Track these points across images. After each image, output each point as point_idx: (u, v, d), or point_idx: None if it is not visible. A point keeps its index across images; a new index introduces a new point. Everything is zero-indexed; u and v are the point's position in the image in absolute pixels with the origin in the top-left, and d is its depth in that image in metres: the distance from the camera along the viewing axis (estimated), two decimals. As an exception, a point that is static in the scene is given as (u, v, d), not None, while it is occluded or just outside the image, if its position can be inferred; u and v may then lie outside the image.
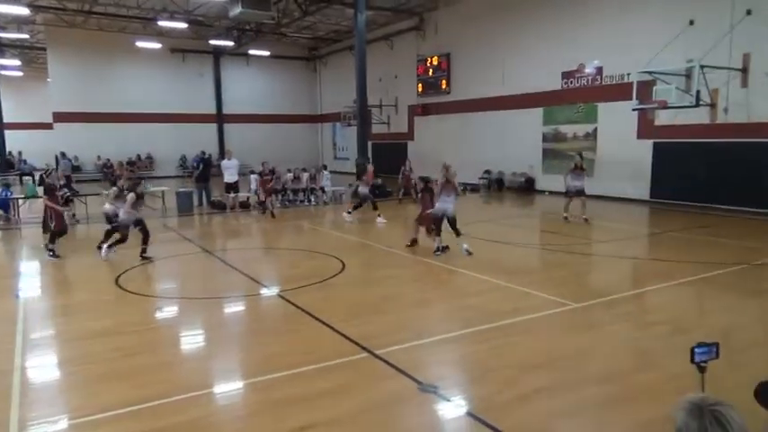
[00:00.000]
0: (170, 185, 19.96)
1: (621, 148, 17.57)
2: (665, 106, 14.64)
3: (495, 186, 22.43)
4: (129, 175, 12.88)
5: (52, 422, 4.27)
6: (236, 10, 19.17)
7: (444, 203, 10.10)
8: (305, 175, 19.29)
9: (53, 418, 4.33)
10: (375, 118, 28.44)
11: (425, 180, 11.32)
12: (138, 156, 32.06)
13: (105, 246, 10.22)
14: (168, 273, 9.85)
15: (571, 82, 19.56)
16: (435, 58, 25.67)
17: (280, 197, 17.73)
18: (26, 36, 29.87)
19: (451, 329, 6.14)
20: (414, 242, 10.79)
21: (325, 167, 21.13)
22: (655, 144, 16.95)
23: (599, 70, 18.53)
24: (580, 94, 19.26)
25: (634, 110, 15.97)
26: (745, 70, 14.50)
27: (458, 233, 10.13)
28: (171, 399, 4.53)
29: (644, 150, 17.09)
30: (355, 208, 14.61)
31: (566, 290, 7.65)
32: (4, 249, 12.81)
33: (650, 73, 14.86)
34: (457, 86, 24.81)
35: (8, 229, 14.52)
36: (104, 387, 4.83)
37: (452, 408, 4.48)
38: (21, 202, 16.09)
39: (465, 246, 10.00)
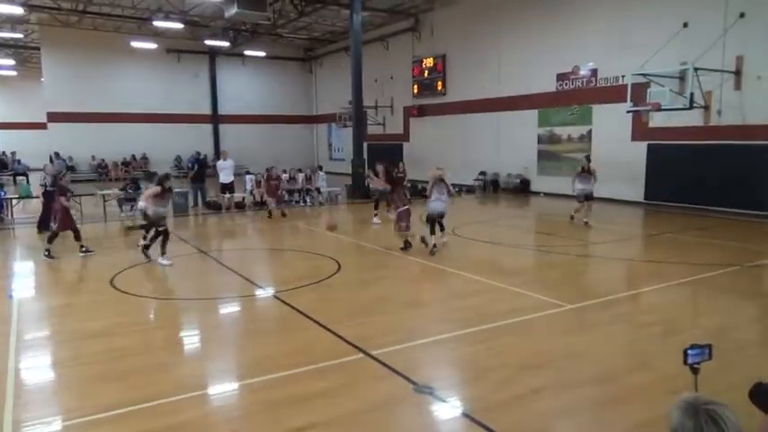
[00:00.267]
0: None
1: (616, 150, 17.64)
2: (659, 108, 14.71)
3: (491, 188, 22.49)
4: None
5: (46, 423, 4.26)
6: (232, 10, 19.14)
7: (437, 202, 10.23)
8: (300, 176, 19.30)
9: (47, 420, 4.32)
10: (370, 119, 28.43)
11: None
12: (133, 156, 31.95)
13: (143, 244, 9.98)
14: (163, 273, 9.81)
15: (566, 84, 19.64)
16: (431, 59, 25.70)
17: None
18: (20, 35, 29.74)
19: (447, 330, 6.15)
20: (408, 244, 10.63)
21: (320, 168, 21.14)
22: (649, 146, 17.04)
23: (593, 72, 18.61)
24: (575, 96, 19.34)
25: (628, 112, 16.03)
26: (738, 73, 14.59)
27: (442, 228, 10.51)
28: (166, 400, 4.52)
29: (638, 152, 17.17)
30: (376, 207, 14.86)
31: (561, 291, 7.68)
32: (-3, 250, 12.74)
33: (644, 75, 14.93)
34: (452, 88, 24.85)
35: (2, 229, 14.44)
36: (99, 388, 4.81)
37: (448, 408, 4.49)
38: (14, 202, 16.01)
39: (433, 241, 10.23)
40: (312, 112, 37.50)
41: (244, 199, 18.27)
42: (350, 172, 21.95)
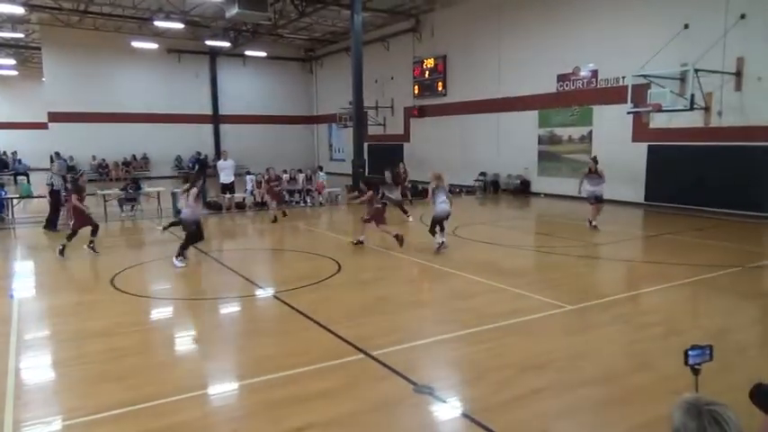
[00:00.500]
0: (165, 186, 19.90)
1: (616, 151, 17.64)
2: (659, 109, 14.71)
3: (491, 188, 22.48)
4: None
5: (47, 423, 4.26)
6: (233, 10, 19.15)
7: (444, 205, 10.50)
8: (301, 176, 19.30)
9: (48, 419, 4.31)
10: (371, 119, 28.44)
11: (367, 181, 12.37)
12: (134, 156, 31.98)
13: (179, 252, 9.89)
14: (163, 273, 9.81)
15: (566, 85, 19.64)
16: (431, 60, 25.71)
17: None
18: (21, 35, 29.77)
19: (447, 331, 6.15)
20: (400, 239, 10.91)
21: (320, 168, 21.14)
22: (649, 147, 17.04)
23: (594, 73, 18.61)
24: (575, 97, 19.34)
25: (629, 113, 16.05)
26: (738, 74, 14.59)
27: (443, 228, 10.64)
28: (166, 400, 4.52)
29: (639, 153, 17.17)
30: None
31: (561, 292, 7.68)
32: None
33: (645, 76, 14.94)
34: (453, 88, 24.86)
35: (2, 228, 14.44)
36: (99, 388, 4.81)
37: (448, 409, 4.48)
38: (15, 201, 16.02)
39: (442, 239, 10.54)
40: (313, 112, 37.52)
41: (244, 199, 18.28)
42: (350, 172, 21.94)
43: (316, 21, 27.87)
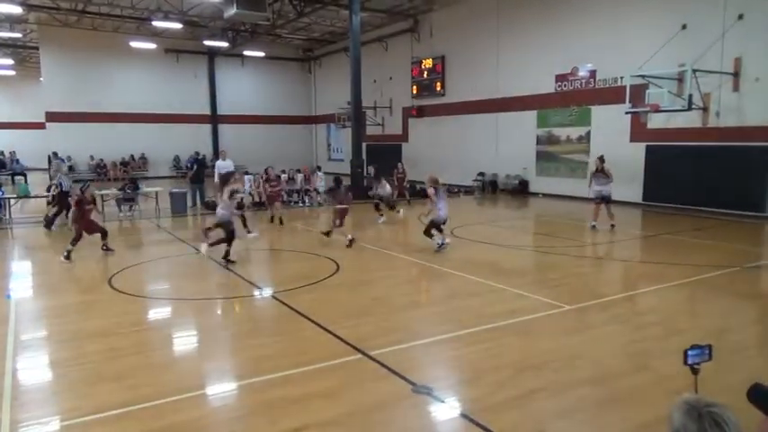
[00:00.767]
0: (163, 186, 19.90)
1: (614, 151, 17.58)
2: (657, 110, 14.72)
3: (489, 188, 22.49)
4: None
5: (44, 423, 4.25)
6: (231, 11, 19.13)
7: (444, 210, 10.63)
8: (299, 177, 19.28)
9: (45, 420, 4.30)
10: (369, 119, 28.45)
11: (337, 181, 12.52)
12: (132, 156, 31.95)
13: (206, 243, 10.01)
14: (161, 273, 9.81)
15: (565, 85, 19.66)
16: (430, 60, 25.72)
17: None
18: (19, 35, 29.71)
19: (445, 331, 6.15)
20: (329, 234, 11.78)
21: (319, 168, 21.12)
22: (647, 147, 17.06)
23: (592, 73, 18.63)
24: (574, 97, 19.36)
25: (627, 113, 16.06)
26: (736, 74, 14.62)
27: (441, 230, 10.77)
28: (164, 400, 4.51)
29: (637, 153, 17.19)
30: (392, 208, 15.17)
31: (559, 292, 7.69)
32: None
33: (643, 76, 14.94)
34: (451, 89, 24.87)
35: (0, 228, 14.42)
36: (97, 388, 4.81)
37: (446, 409, 4.48)
38: (12, 201, 15.99)
39: (447, 240, 10.71)
40: (311, 112, 37.52)
41: (242, 199, 18.22)
42: (349, 172, 21.94)
43: (314, 21, 27.87)
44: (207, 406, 4.65)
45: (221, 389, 4.93)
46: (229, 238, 9.86)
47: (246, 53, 32.48)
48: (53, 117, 29.34)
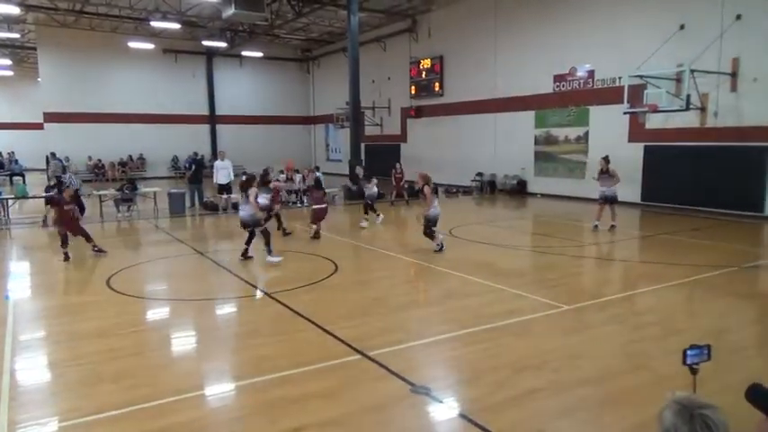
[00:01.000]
0: (162, 186, 19.88)
1: (613, 152, 17.53)
2: (655, 110, 14.74)
3: (488, 189, 22.50)
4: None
5: (42, 424, 4.24)
6: (230, 11, 19.12)
7: (438, 207, 10.64)
8: (298, 177, 19.27)
9: (43, 420, 4.30)
10: (368, 120, 28.45)
11: (317, 181, 12.71)
12: (130, 156, 31.92)
13: (268, 250, 9.92)
14: (160, 274, 9.80)
15: (563, 85, 19.68)
16: (428, 60, 25.73)
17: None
18: (17, 35, 29.65)
19: (444, 331, 6.15)
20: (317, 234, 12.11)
21: (317, 169, 21.10)
22: (646, 147, 17.08)
23: (590, 74, 18.64)
24: (572, 98, 19.37)
25: (625, 113, 16.09)
26: (734, 75, 14.64)
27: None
28: (163, 401, 4.51)
29: (635, 153, 17.20)
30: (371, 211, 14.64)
31: (558, 292, 7.70)
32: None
33: (641, 77, 14.97)
34: (450, 89, 24.88)
35: (-2, 229, 14.40)
36: (96, 389, 4.80)
37: (445, 409, 4.49)
38: (11, 202, 15.96)
39: (441, 238, 10.69)
40: (309, 112, 37.51)
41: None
42: (347, 173, 21.93)
43: (312, 21, 27.85)
44: (206, 406, 4.64)
45: (220, 389, 4.93)
46: (266, 232, 9.98)
47: (245, 53, 32.47)
48: (51, 117, 29.29)
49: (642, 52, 15.54)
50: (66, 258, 10.03)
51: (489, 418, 4.18)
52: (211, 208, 17.45)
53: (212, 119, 34.00)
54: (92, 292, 8.16)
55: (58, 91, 29.15)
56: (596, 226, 12.99)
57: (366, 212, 14.32)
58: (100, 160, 30.88)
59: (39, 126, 30.82)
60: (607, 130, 18.02)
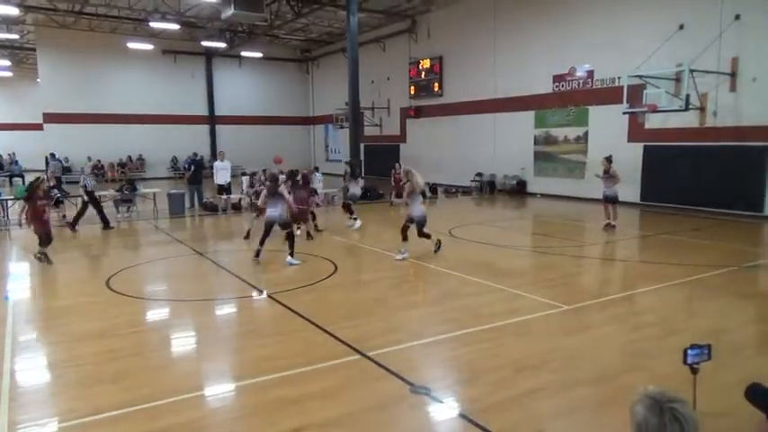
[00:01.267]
0: (161, 187, 19.88)
1: (612, 152, 17.55)
2: (654, 110, 14.76)
3: (487, 189, 22.50)
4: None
5: (42, 425, 4.24)
6: (229, 11, 19.12)
7: (423, 206, 10.17)
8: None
9: (43, 421, 4.30)
10: (367, 120, 28.45)
11: (292, 174, 12.33)
12: (129, 157, 31.91)
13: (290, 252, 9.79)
14: (159, 275, 9.80)
15: (562, 85, 19.68)
16: (427, 60, 25.74)
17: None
18: (16, 36, 29.62)
19: (443, 331, 6.15)
20: (309, 235, 12.14)
21: (317, 169, 21.09)
22: (645, 147, 17.08)
23: (590, 74, 18.65)
24: (571, 98, 19.38)
25: (625, 113, 16.10)
26: (733, 74, 14.65)
27: (406, 238, 10.12)
28: (162, 401, 4.51)
29: (634, 153, 17.21)
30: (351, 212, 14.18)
31: (557, 292, 7.70)
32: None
33: (640, 77, 14.98)
34: (449, 89, 24.89)
35: (-3, 230, 14.40)
36: (95, 389, 4.80)
37: (444, 409, 4.49)
38: (10, 203, 15.94)
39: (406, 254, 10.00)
40: (309, 113, 37.51)
41: (240, 200, 18.24)
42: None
43: (312, 21, 27.85)
44: (205, 407, 4.64)
45: (220, 390, 4.93)
46: (290, 235, 9.90)
47: (244, 54, 32.47)
48: (50, 118, 29.28)
49: (641, 52, 15.55)
50: (47, 260, 9.83)
51: (489, 418, 4.18)
52: (211, 209, 17.44)
53: (212, 119, 34.00)
54: (91, 292, 8.15)
55: (58, 92, 29.14)
56: (609, 224, 13.02)
57: (350, 213, 13.89)
58: (99, 161, 30.83)
59: (38, 127, 30.81)
60: (606, 130, 18.02)
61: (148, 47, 29.53)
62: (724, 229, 13.25)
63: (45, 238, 10.01)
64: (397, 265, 9.75)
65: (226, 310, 7.61)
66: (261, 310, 7.67)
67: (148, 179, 29.38)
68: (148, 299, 8.08)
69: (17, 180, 27.32)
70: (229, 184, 17.46)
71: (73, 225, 13.74)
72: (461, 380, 5.06)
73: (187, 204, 17.40)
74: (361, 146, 22.80)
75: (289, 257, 9.71)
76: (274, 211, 9.85)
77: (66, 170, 27.98)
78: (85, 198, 13.98)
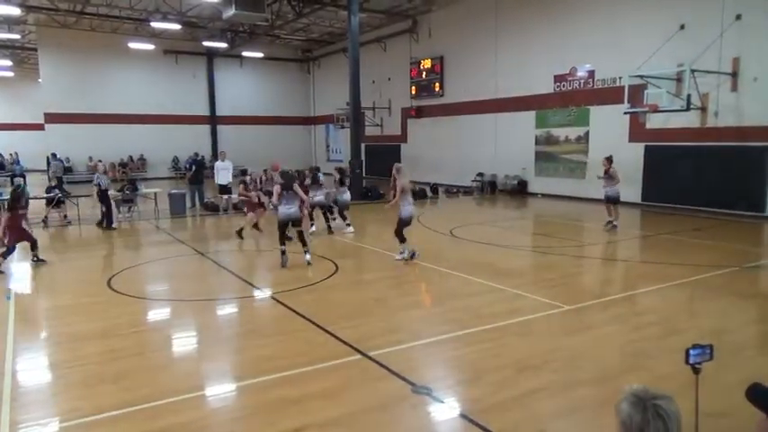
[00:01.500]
0: (162, 187, 19.89)
1: (613, 152, 17.51)
2: (656, 110, 14.74)
3: (488, 189, 22.49)
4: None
5: (43, 425, 4.25)
6: (230, 11, 19.13)
7: (411, 206, 9.87)
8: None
9: (44, 421, 4.31)
10: (368, 120, 28.45)
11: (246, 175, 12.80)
12: (131, 157, 31.93)
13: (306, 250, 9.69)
14: (161, 275, 9.81)
15: (563, 85, 19.67)
16: (428, 60, 25.73)
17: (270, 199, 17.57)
18: (17, 36, 29.65)
19: (445, 331, 6.15)
20: (241, 232, 12.39)
21: (318, 169, 21.06)
22: (646, 147, 17.07)
23: (591, 74, 18.64)
24: (572, 98, 19.36)
25: (626, 113, 16.08)
26: (734, 74, 14.63)
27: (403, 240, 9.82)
28: (163, 401, 4.51)
29: (635, 153, 17.19)
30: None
31: (558, 292, 7.69)
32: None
33: (641, 77, 14.96)
34: (450, 89, 24.88)
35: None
36: (96, 389, 4.81)
37: (446, 409, 4.49)
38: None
39: (415, 250, 9.84)
40: (310, 113, 37.52)
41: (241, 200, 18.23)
42: (348, 173, 21.92)
43: (313, 21, 27.86)
44: (206, 407, 4.65)
45: (220, 390, 4.93)
46: (300, 235, 9.88)
47: (245, 54, 32.49)
48: (52, 118, 29.29)
49: (642, 52, 15.54)
50: (42, 261, 9.79)
51: (490, 419, 4.18)
52: (212, 209, 17.45)
53: (213, 119, 34.01)
54: (93, 292, 8.16)
55: (59, 92, 29.16)
56: (610, 222, 13.06)
57: (344, 219, 13.51)
58: (100, 160, 30.86)
59: (39, 127, 30.84)
60: (608, 131, 18.01)
61: (150, 47, 29.54)
62: (725, 229, 13.23)
63: (10, 247, 9.64)
64: (398, 265, 9.75)
65: (227, 310, 7.62)
66: (262, 309, 7.67)
67: (150, 179, 29.39)
68: (150, 299, 8.09)
69: (18, 180, 27.37)
70: (230, 184, 17.46)
71: (109, 224, 14.09)
72: (463, 380, 5.06)
73: (188, 204, 17.41)
74: (363, 146, 22.79)
75: (307, 256, 9.59)
76: (290, 209, 9.67)
77: (68, 170, 28.03)
78: (98, 196, 14.21)
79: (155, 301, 7.97)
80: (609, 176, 13.02)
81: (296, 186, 9.89)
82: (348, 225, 13.46)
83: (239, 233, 12.52)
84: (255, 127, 34.54)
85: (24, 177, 27.63)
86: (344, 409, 4.40)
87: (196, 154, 30.58)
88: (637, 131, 17.18)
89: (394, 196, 9.79)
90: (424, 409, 4.47)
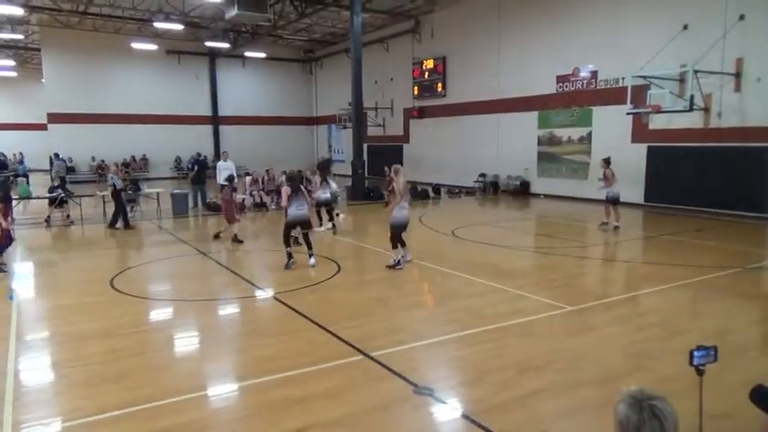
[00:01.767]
0: (165, 187, 19.92)
1: (616, 152, 17.56)
2: (659, 110, 14.71)
3: (491, 189, 22.47)
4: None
5: (46, 424, 4.26)
6: (233, 12, 19.15)
7: (405, 210, 9.54)
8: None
9: (47, 421, 4.31)
10: (370, 120, 28.44)
11: (230, 179, 12.88)
12: (133, 157, 31.97)
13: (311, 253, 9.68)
14: (163, 274, 9.81)
15: (566, 86, 19.64)
16: (431, 61, 25.73)
17: (274, 198, 17.61)
18: (20, 36, 29.75)
19: (447, 332, 6.15)
20: (218, 235, 12.47)
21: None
22: (649, 148, 17.04)
23: (594, 74, 18.61)
24: (575, 98, 19.33)
25: (628, 114, 16.06)
26: (738, 75, 14.59)
27: (404, 244, 9.52)
28: (166, 401, 4.51)
29: (638, 154, 17.16)
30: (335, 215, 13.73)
31: (561, 293, 7.68)
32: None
33: (644, 77, 14.94)
34: (452, 89, 24.87)
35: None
36: (99, 389, 4.81)
37: (448, 410, 4.48)
38: (14, 203, 15.97)
39: (409, 256, 9.67)
40: (312, 113, 37.54)
41: (243, 200, 18.25)
42: (350, 173, 21.94)
43: (315, 22, 27.88)
44: (208, 407, 4.65)
45: (223, 390, 4.93)
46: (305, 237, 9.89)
47: (248, 54, 32.51)
48: (54, 118, 29.35)
49: (645, 53, 15.51)
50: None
51: (492, 419, 4.17)
52: (214, 209, 17.42)
53: (215, 119, 34.05)
54: (95, 292, 8.17)
55: (62, 92, 29.21)
56: (606, 224, 13.12)
57: (330, 217, 13.32)
58: (103, 161, 30.91)
59: (42, 127, 30.89)
60: (610, 131, 17.98)
61: (152, 47, 29.59)
62: (728, 230, 13.20)
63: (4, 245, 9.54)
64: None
65: (229, 310, 7.62)
66: (264, 310, 7.67)
67: (152, 179, 29.43)
68: (152, 299, 8.10)
69: (21, 180, 27.42)
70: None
71: (126, 223, 14.22)
72: (465, 380, 5.06)
73: (190, 204, 17.42)
74: (365, 146, 22.79)
75: (312, 260, 9.57)
76: (300, 210, 9.58)
77: (71, 170, 28.08)
78: (112, 197, 14.36)
79: (157, 301, 7.98)
80: (605, 178, 13.09)
81: (302, 188, 9.91)
82: (329, 221, 13.34)
83: (216, 236, 12.65)
84: (258, 127, 34.58)
85: (27, 177, 27.70)
86: (347, 410, 4.40)
87: (198, 154, 30.61)
88: (639, 132, 17.14)
89: (392, 197, 9.63)
90: (426, 409, 4.47)
